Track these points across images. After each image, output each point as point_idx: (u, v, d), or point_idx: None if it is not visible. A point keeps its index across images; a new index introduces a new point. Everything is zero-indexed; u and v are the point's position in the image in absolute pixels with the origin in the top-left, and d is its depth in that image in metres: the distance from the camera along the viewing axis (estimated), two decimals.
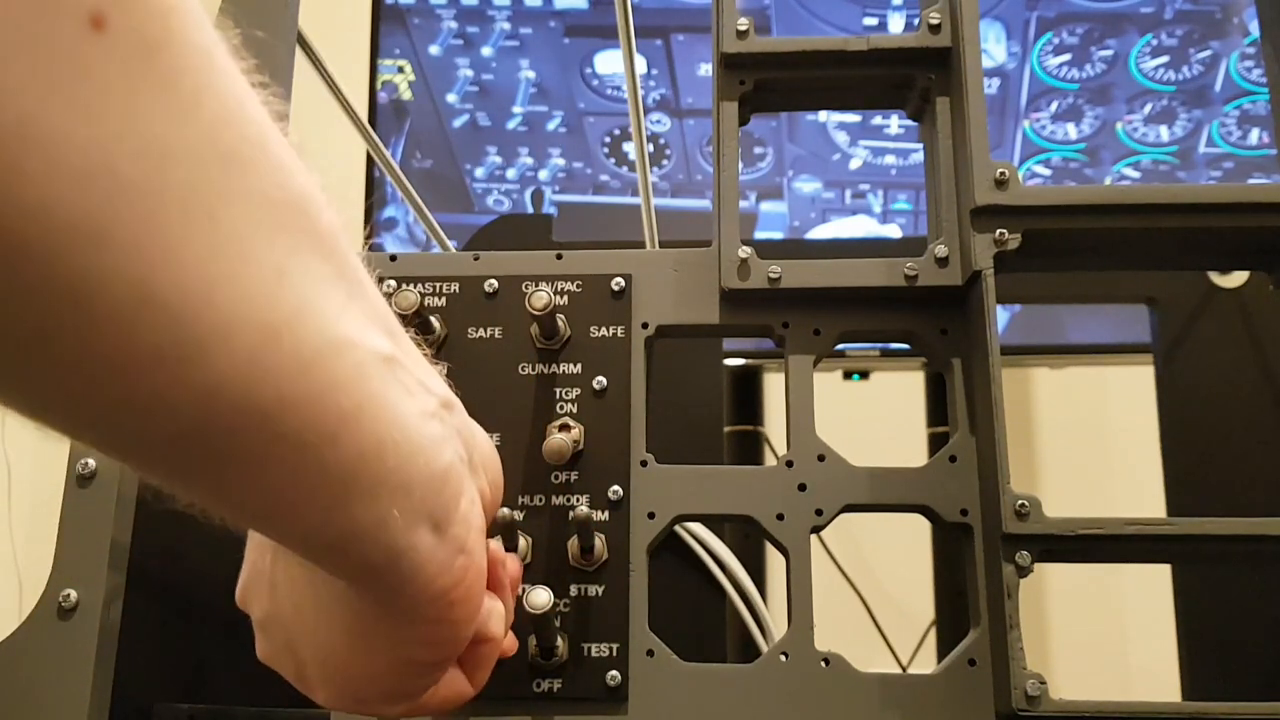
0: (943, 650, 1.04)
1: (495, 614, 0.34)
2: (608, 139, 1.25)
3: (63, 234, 0.18)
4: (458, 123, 1.26)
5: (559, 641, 0.43)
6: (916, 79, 0.49)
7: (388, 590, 0.28)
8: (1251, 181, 1.11)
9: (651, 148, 1.23)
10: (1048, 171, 1.20)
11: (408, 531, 0.26)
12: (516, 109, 1.26)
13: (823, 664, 0.43)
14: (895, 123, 1.22)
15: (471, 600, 0.30)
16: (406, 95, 1.27)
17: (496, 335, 0.48)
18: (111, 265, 0.18)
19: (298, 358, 0.22)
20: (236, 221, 0.21)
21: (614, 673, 0.43)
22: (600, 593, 0.44)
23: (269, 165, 0.22)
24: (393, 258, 0.49)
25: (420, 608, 0.28)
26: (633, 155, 1.17)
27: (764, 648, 0.60)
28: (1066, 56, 1.20)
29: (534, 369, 0.47)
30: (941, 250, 0.46)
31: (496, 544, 0.36)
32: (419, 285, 0.48)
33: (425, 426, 0.27)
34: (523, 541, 0.45)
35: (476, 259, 0.49)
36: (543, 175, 1.25)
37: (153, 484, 0.24)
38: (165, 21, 0.19)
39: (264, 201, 0.21)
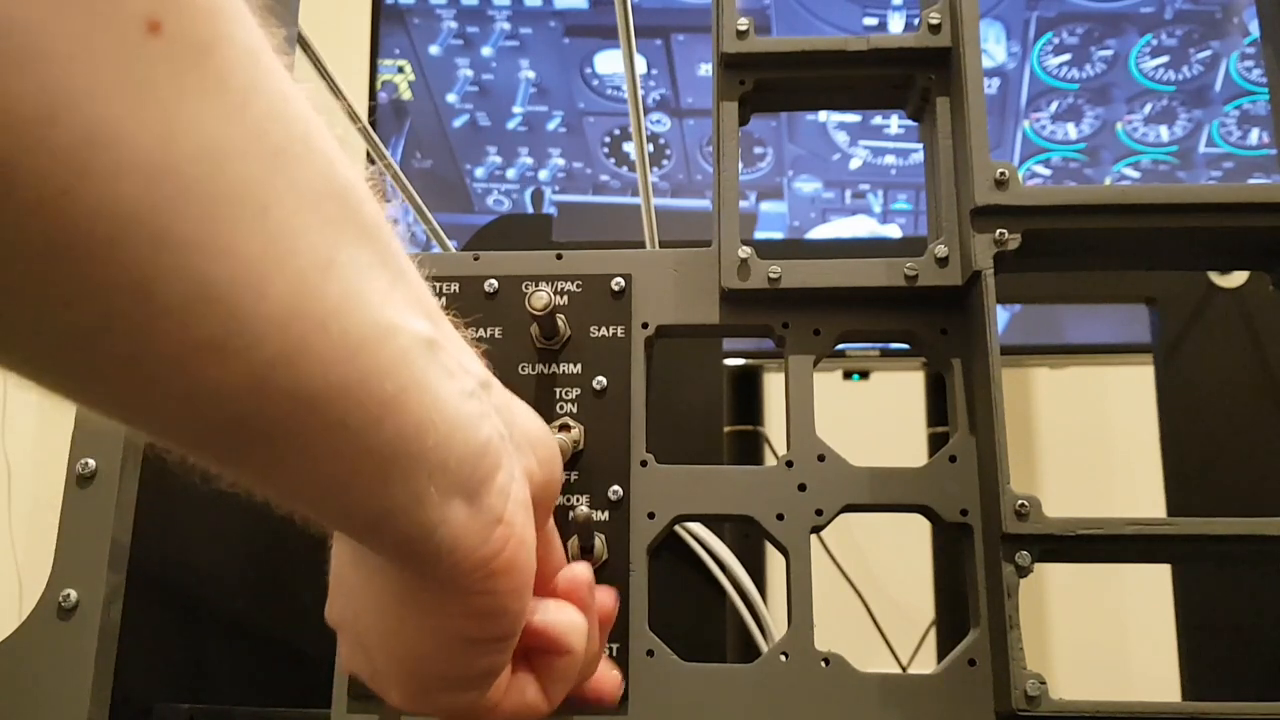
0: (943, 650, 1.03)
1: (575, 628, 0.34)
2: (608, 139, 1.25)
3: (127, 233, 0.19)
4: (458, 123, 1.26)
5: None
6: (916, 79, 0.49)
7: (425, 563, 0.28)
8: (1251, 181, 1.11)
9: (651, 148, 1.23)
10: (1048, 171, 1.20)
11: (442, 506, 0.27)
12: (516, 109, 1.26)
13: (823, 664, 0.43)
14: (895, 123, 1.22)
15: (516, 571, 0.29)
16: (406, 95, 1.27)
17: (496, 335, 0.48)
18: (171, 262, 0.19)
19: (345, 345, 0.23)
20: (287, 215, 0.21)
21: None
22: None
23: (314, 159, 0.23)
24: None
25: (459, 579, 0.28)
26: (633, 155, 1.16)
27: (764, 648, 0.60)
28: (1066, 56, 1.20)
29: (534, 369, 0.47)
30: (941, 250, 0.46)
31: (586, 569, 0.36)
32: None
33: (465, 405, 0.27)
34: None
35: (476, 259, 0.49)
36: (543, 175, 1.25)
37: (200, 466, 0.24)
38: (214, 23, 0.20)
39: (311, 194, 0.22)
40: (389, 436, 0.24)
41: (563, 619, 0.34)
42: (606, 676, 0.41)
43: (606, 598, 0.39)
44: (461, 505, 0.27)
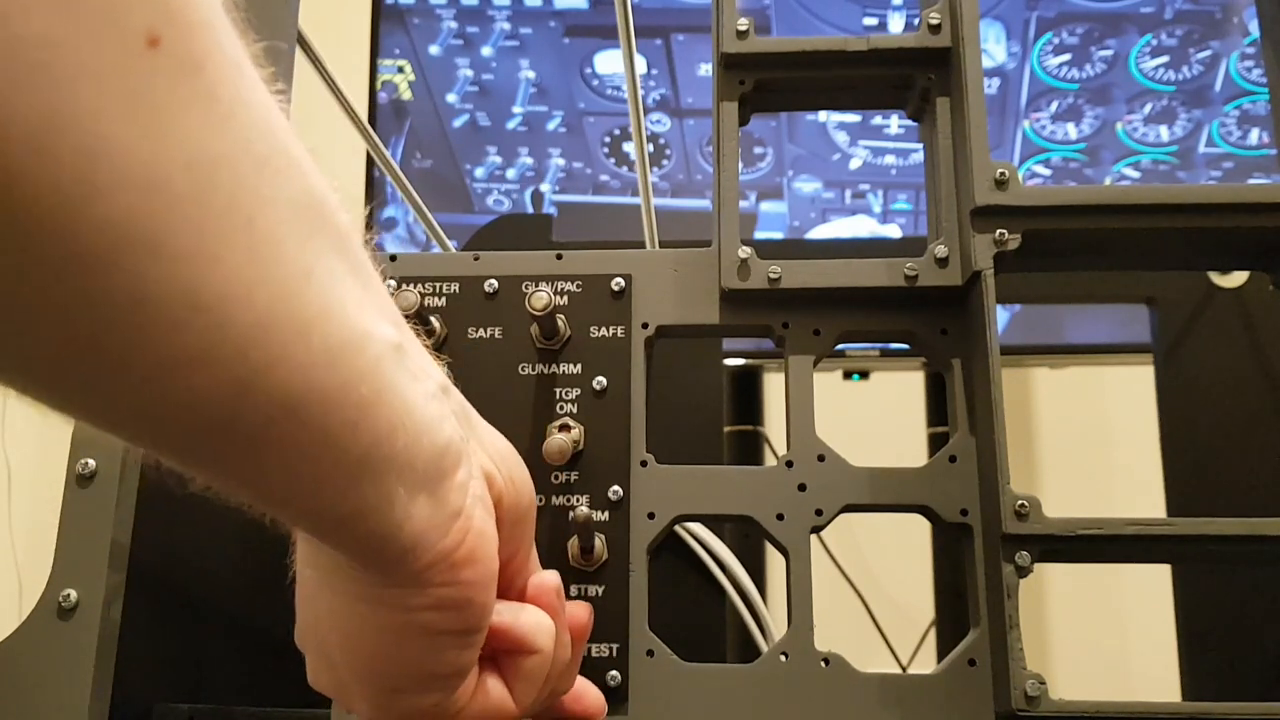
0: (943, 650, 1.04)
1: (541, 627, 0.35)
2: (608, 139, 1.25)
3: (124, 244, 0.19)
4: (458, 123, 1.26)
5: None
6: (916, 79, 0.49)
7: (390, 559, 0.28)
8: (1251, 181, 1.11)
9: (651, 148, 1.23)
10: (1048, 171, 1.20)
11: (408, 503, 0.28)
12: (516, 109, 1.26)
13: (823, 664, 0.43)
14: (895, 123, 1.22)
15: (477, 562, 0.30)
16: (406, 95, 1.27)
17: (496, 335, 0.48)
18: (164, 272, 0.20)
19: (325, 351, 0.23)
20: (270, 226, 0.22)
21: (614, 673, 0.43)
22: (600, 593, 0.44)
23: (294, 170, 0.23)
24: (393, 258, 0.49)
25: (423, 572, 0.29)
26: (633, 155, 1.16)
27: (764, 648, 0.60)
28: (1066, 56, 1.20)
29: (534, 369, 0.47)
30: (941, 250, 0.46)
31: (554, 575, 0.37)
32: (419, 285, 0.48)
33: (429, 406, 0.28)
34: None
35: (476, 259, 0.49)
36: (543, 175, 1.25)
37: (175, 470, 0.25)
38: (206, 38, 0.20)
39: (292, 205, 0.23)
40: (364, 439, 0.25)
41: (528, 619, 0.35)
42: (589, 693, 0.41)
43: (579, 610, 0.40)
44: (425, 501, 0.28)
